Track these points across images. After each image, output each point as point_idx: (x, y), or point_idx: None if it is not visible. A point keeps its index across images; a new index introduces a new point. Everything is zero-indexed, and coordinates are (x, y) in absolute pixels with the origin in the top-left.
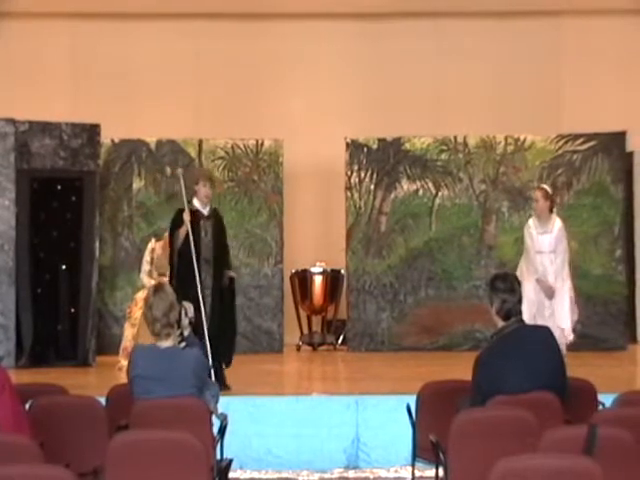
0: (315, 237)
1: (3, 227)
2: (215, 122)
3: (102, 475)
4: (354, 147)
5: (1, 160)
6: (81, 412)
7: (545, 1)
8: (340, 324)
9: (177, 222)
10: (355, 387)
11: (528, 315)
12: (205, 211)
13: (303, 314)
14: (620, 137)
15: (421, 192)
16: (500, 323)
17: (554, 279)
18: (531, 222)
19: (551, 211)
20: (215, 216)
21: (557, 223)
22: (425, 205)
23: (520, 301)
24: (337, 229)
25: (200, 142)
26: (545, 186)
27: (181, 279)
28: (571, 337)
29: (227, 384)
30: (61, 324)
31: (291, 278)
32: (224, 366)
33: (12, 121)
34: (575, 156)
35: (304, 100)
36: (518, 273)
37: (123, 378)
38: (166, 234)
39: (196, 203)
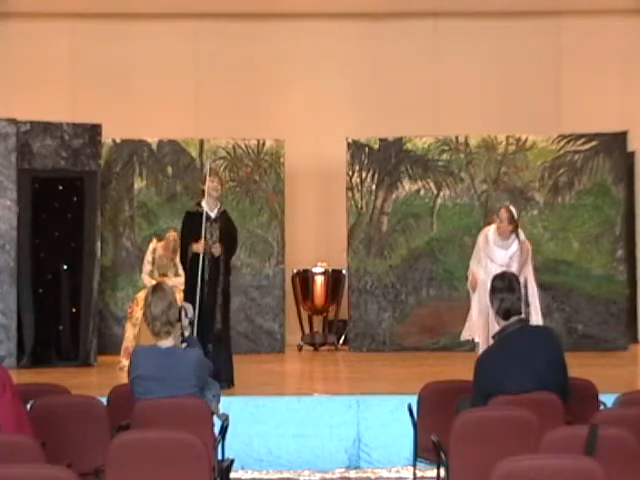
0: (316, 237)
1: (4, 227)
2: (216, 122)
3: (103, 475)
4: (355, 147)
5: (2, 160)
6: (82, 412)
7: (545, 1)
8: (341, 324)
9: (187, 227)
10: (356, 387)
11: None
12: (213, 213)
13: (304, 314)
14: (621, 137)
15: (422, 192)
16: (501, 323)
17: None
18: (492, 229)
19: (512, 232)
20: (222, 219)
21: (514, 245)
22: (426, 205)
23: (520, 299)
24: (338, 229)
25: (201, 142)
26: (512, 208)
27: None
28: None
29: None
30: (62, 324)
31: (292, 278)
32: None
33: (14, 121)
34: (576, 156)
35: (305, 100)
36: (470, 284)
37: (124, 378)
38: (168, 234)
39: (205, 205)
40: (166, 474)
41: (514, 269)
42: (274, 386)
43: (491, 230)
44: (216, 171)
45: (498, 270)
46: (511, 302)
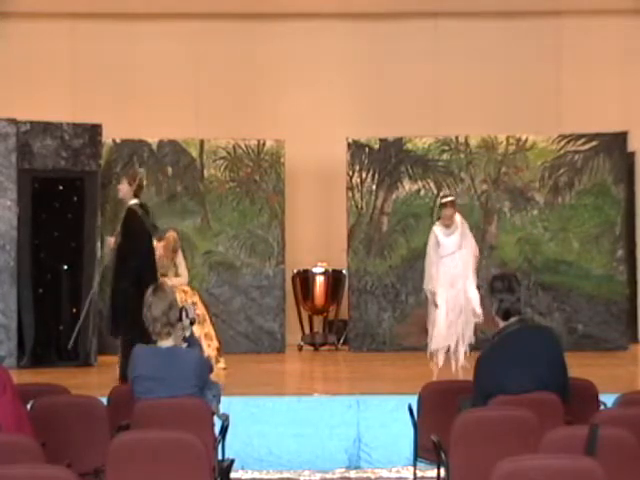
0: (316, 237)
1: (5, 227)
2: (216, 122)
3: (103, 475)
4: (355, 147)
5: (3, 160)
6: (82, 412)
7: (545, 1)
8: (342, 324)
9: None
10: (356, 387)
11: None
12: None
13: (305, 314)
14: (621, 137)
15: (422, 192)
16: (501, 323)
17: (462, 272)
18: (437, 229)
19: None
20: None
21: (458, 220)
22: (426, 205)
23: (519, 300)
24: (338, 229)
25: (201, 142)
26: (451, 198)
27: None
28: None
29: None
30: (62, 324)
31: (293, 278)
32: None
33: (14, 121)
34: (576, 156)
35: (306, 100)
36: (427, 285)
37: None
38: (167, 234)
39: None
40: (166, 474)
41: (467, 246)
42: (274, 386)
43: (437, 230)
44: (129, 174)
45: (456, 259)
46: (510, 302)
